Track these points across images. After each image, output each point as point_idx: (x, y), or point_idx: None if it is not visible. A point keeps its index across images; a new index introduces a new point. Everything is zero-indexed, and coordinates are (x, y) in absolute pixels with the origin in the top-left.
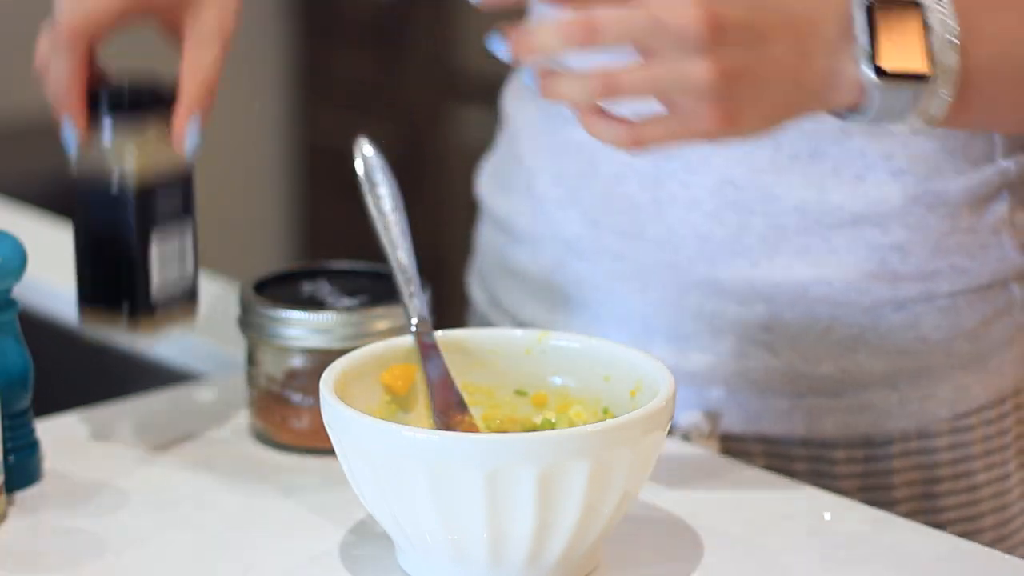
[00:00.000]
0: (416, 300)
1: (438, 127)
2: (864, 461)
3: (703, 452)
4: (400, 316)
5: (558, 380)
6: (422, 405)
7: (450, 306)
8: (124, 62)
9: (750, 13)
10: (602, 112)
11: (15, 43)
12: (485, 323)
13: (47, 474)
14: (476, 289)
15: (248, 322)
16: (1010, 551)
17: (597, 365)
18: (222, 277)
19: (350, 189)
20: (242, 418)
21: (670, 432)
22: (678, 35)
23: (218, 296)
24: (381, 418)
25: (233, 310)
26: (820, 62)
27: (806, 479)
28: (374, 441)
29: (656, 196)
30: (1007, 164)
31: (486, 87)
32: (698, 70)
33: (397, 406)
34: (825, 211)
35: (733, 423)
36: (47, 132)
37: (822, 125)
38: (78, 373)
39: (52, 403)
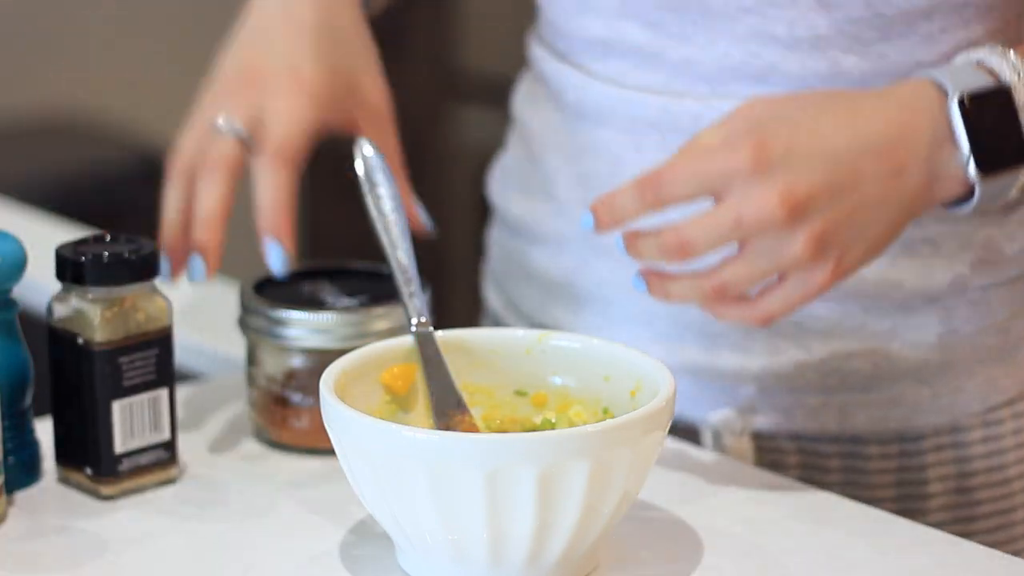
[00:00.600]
0: (416, 300)
1: (438, 127)
2: (898, 457)
3: (703, 452)
4: (400, 316)
5: (558, 380)
6: (422, 405)
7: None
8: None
9: (827, 174)
10: (723, 298)
11: (15, 43)
12: (500, 326)
13: (47, 474)
14: (490, 293)
15: (248, 322)
16: None
17: (597, 365)
18: (222, 277)
19: (350, 189)
20: (242, 418)
21: (701, 431)
22: (764, 226)
23: (218, 296)
24: (381, 418)
25: (233, 310)
26: (915, 177)
27: (839, 476)
28: (374, 441)
29: None
30: None
31: (486, 87)
32: (794, 248)
33: (397, 406)
34: None
35: (765, 421)
36: (47, 132)
37: None
38: None
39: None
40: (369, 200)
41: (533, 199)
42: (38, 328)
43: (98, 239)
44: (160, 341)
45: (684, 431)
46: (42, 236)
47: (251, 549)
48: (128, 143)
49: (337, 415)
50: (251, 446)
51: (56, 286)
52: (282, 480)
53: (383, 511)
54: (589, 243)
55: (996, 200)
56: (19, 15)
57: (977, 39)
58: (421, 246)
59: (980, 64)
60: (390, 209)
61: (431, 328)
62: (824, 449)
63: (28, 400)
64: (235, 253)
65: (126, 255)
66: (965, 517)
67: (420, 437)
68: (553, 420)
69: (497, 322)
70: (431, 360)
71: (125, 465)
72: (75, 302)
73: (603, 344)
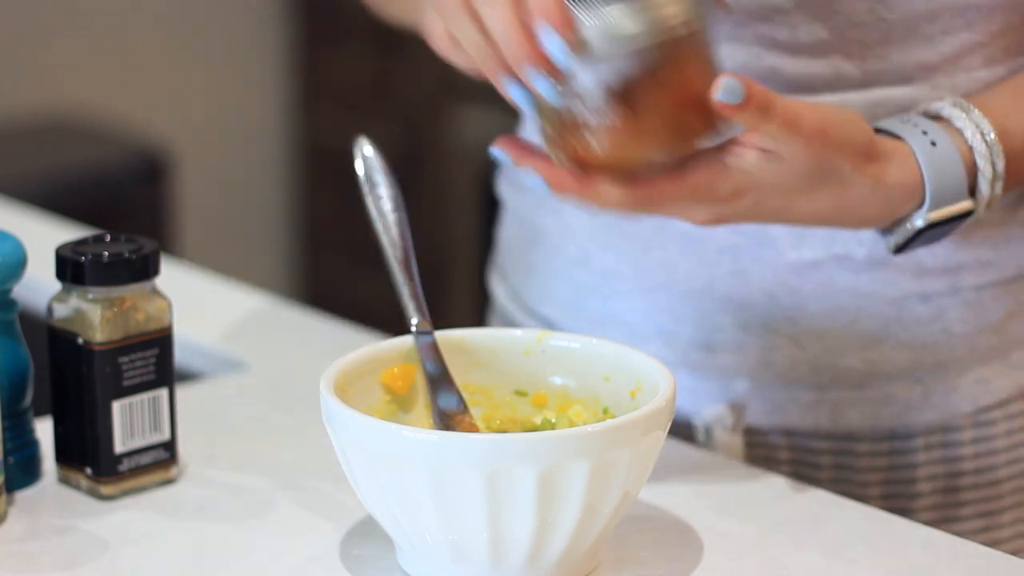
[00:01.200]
0: (416, 300)
1: (438, 127)
2: (888, 455)
3: (703, 452)
4: None
5: (558, 380)
6: (422, 405)
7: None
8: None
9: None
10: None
11: (14, 42)
12: (505, 317)
13: (47, 474)
14: (497, 285)
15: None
16: None
17: (597, 365)
18: (222, 277)
19: (350, 189)
20: (242, 418)
21: (695, 425)
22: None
23: (218, 296)
24: (381, 418)
25: (233, 310)
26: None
27: (830, 473)
28: (374, 441)
29: None
30: None
31: (486, 87)
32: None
33: (397, 406)
34: None
35: (757, 416)
36: (47, 132)
37: None
38: None
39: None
40: (369, 200)
41: (536, 195)
42: (38, 328)
43: (98, 239)
44: (160, 341)
45: (677, 425)
46: (42, 236)
47: (251, 549)
48: (128, 143)
49: (337, 415)
50: (251, 446)
51: (56, 286)
52: (282, 480)
53: (383, 511)
54: (591, 237)
55: (940, 238)
56: (18, 15)
57: (980, 41)
58: (421, 245)
59: (963, 158)
60: (390, 209)
61: (431, 328)
62: (815, 446)
63: (28, 400)
64: (235, 253)
65: (126, 255)
66: (951, 517)
67: (420, 437)
68: (553, 420)
69: (502, 313)
70: (431, 360)
71: (125, 465)
72: (75, 302)
73: (603, 344)
